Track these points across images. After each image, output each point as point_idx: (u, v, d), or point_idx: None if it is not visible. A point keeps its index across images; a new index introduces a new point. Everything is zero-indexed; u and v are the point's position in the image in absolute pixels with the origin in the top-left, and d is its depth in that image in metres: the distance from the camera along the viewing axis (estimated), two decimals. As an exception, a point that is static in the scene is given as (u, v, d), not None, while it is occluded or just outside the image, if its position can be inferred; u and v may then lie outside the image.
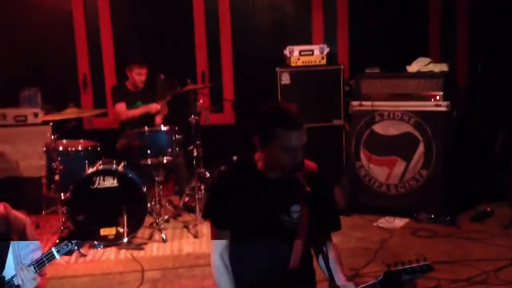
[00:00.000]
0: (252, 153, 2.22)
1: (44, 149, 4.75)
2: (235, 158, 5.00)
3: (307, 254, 2.22)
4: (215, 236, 2.21)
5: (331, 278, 2.05)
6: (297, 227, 2.12)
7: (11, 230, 2.40)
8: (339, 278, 2.11)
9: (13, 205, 5.49)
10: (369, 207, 5.04)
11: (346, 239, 4.48)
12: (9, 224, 2.41)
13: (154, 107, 5.29)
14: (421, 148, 4.90)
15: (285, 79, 5.47)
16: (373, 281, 2.01)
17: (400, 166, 4.97)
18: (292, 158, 2.06)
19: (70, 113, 4.75)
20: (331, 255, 2.18)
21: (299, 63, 5.54)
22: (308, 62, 5.53)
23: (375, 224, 4.84)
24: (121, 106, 5.28)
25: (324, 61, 5.54)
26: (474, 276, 3.74)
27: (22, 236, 2.42)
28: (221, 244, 2.19)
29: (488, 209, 4.95)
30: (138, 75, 5.26)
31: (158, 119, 5.38)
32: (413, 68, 5.19)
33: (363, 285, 2.02)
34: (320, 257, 2.15)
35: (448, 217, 4.75)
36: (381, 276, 1.98)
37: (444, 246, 4.32)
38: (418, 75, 5.08)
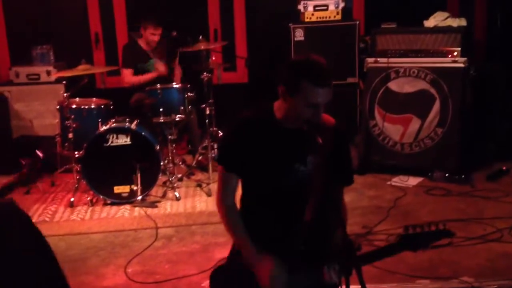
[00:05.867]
0: (271, 102, 2.18)
1: (57, 107, 4.76)
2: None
3: (323, 206, 2.15)
4: (224, 180, 2.18)
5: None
6: (311, 177, 2.09)
7: None
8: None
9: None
10: (382, 166, 4.99)
11: (359, 198, 4.48)
12: None
13: (162, 69, 5.21)
14: (437, 106, 4.81)
15: (299, 35, 5.36)
16: (390, 243, 1.99)
17: (415, 124, 4.90)
18: (314, 114, 2.03)
19: (82, 69, 4.73)
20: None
21: (313, 19, 5.41)
22: (323, 17, 5.40)
23: (388, 183, 4.81)
24: (127, 73, 5.23)
25: (339, 16, 5.40)
26: (488, 234, 3.72)
27: None
28: (230, 190, 2.17)
29: (504, 167, 4.89)
30: (152, 35, 5.19)
31: (177, 80, 5.30)
32: (430, 23, 5.05)
33: (380, 248, 2.02)
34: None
35: (463, 176, 4.70)
36: (398, 239, 1.97)
37: (458, 205, 4.29)
38: (435, 30, 4.94)
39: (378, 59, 5.04)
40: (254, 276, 2.08)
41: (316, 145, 2.01)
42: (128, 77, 5.23)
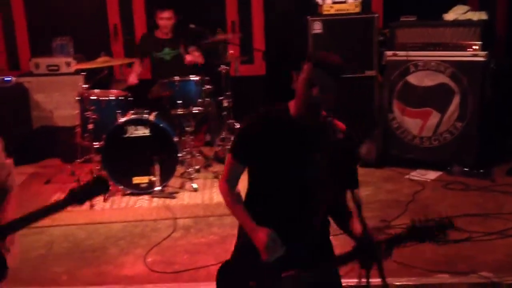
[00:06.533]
0: (287, 101, 2.21)
1: (77, 98, 4.81)
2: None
3: (327, 204, 2.23)
4: (231, 167, 2.25)
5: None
6: (320, 175, 2.14)
7: None
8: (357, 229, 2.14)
9: (48, 153, 5.65)
10: (401, 159, 4.97)
11: (377, 191, 4.47)
12: None
13: (131, 80, 5.27)
14: (456, 100, 4.78)
15: (317, 28, 5.33)
16: (399, 233, 2.07)
17: (434, 118, 4.86)
18: (316, 97, 2.05)
19: (102, 61, 4.77)
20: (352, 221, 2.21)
21: (332, 11, 5.38)
22: (341, 10, 5.37)
23: (406, 176, 4.79)
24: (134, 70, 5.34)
25: (358, 9, 5.36)
26: (507, 229, 3.70)
27: None
28: (235, 177, 2.25)
29: (524, 162, 4.85)
30: (160, 20, 5.23)
31: (189, 57, 5.32)
32: (450, 16, 5.01)
33: (389, 237, 2.07)
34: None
35: (482, 170, 4.67)
36: (407, 230, 2.04)
37: (477, 199, 4.27)
38: (455, 23, 4.90)
39: (397, 52, 5.00)
40: (258, 269, 2.14)
41: (326, 142, 2.07)
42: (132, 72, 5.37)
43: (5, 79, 5.50)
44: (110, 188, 4.55)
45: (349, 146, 2.17)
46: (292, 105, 2.17)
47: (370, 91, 5.35)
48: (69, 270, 3.44)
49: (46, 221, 4.09)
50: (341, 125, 2.18)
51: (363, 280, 2.09)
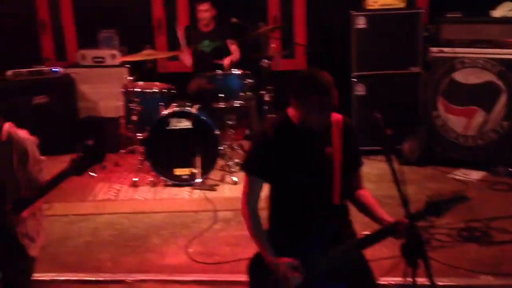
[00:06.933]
0: (286, 111, 2.36)
1: (122, 90, 4.90)
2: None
3: (343, 191, 2.34)
4: (249, 184, 2.34)
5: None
6: (333, 166, 2.29)
7: (13, 150, 2.47)
8: (387, 218, 2.25)
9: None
10: (444, 158, 4.90)
11: (419, 190, 4.39)
12: (11, 143, 2.47)
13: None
14: (503, 98, 4.67)
15: (361, 23, 5.28)
16: (417, 210, 2.17)
17: (480, 116, 4.77)
18: (323, 119, 2.26)
19: (146, 54, 4.85)
20: (369, 200, 2.34)
21: (376, 6, 5.31)
22: (386, 5, 5.29)
23: (450, 175, 4.71)
24: (185, 55, 5.37)
25: (402, 4, 5.29)
26: (554, 232, 3.61)
27: (24, 156, 2.49)
28: (255, 195, 2.33)
29: None
30: (199, 12, 5.27)
31: (226, 61, 5.33)
32: (497, 13, 4.91)
33: (412, 213, 2.15)
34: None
35: (528, 171, 4.57)
36: (425, 206, 2.16)
37: (523, 201, 4.17)
38: (503, 20, 4.80)
39: (443, 48, 4.91)
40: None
41: (330, 139, 2.29)
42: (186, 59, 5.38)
43: (53, 69, 5.65)
44: (152, 178, 4.66)
45: (352, 130, 2.36)
46: (291, 113, 2.32)
47: (414, 88, 5.27)
48: (114, 258, 3.52)
49: (91, 209, 4.27)
50: (339, 116, 2.35)
51: (408, 279, 2.10)
